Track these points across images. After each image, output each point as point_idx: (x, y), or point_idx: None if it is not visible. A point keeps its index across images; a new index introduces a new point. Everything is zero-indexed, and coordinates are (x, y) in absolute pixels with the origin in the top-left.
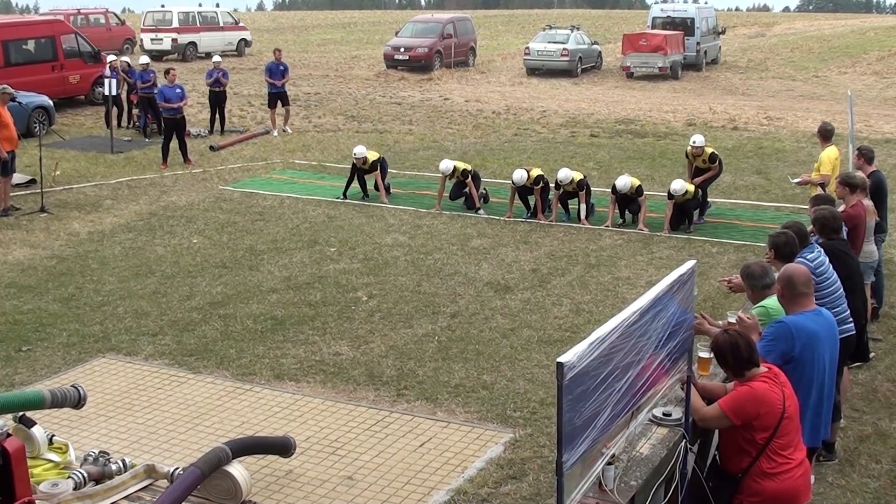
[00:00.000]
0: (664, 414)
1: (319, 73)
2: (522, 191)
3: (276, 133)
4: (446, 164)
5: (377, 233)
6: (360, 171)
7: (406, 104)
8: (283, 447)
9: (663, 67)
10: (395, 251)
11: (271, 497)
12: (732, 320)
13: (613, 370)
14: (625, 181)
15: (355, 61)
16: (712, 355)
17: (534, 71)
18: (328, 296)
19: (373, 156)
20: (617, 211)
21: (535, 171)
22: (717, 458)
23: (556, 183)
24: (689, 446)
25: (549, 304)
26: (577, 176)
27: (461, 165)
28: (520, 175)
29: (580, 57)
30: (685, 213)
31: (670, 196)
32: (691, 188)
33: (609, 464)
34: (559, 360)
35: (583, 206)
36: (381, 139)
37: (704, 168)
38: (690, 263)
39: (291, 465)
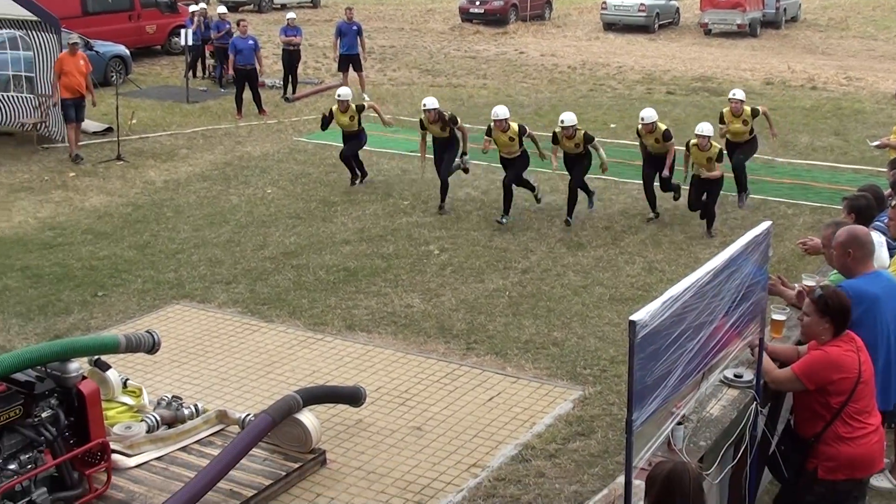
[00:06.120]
0: (735, 375)
1: (395, 26)
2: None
3: None
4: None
5: (450, 187)
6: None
7: (481, 58)
8: (353, 397)
9: (742, 24)
10: (468, 205)
11: (340, 445)
12: (809, 283)
13: (686, 330)
14: (649, 112)
15: (430, 14)
16: (786, 318)
17: (610, 26)
18: (400, 248)
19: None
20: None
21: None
22: (792, 422)
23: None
24: (759, 409)
25: (622, 261)
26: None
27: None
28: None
29: (657, 12)
30: (708, 190)
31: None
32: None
33: (679, 424)
34: (631, 318)
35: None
36: (455, 93)
37: (741, 132)
38: (766, 224)
39: (361, 415)
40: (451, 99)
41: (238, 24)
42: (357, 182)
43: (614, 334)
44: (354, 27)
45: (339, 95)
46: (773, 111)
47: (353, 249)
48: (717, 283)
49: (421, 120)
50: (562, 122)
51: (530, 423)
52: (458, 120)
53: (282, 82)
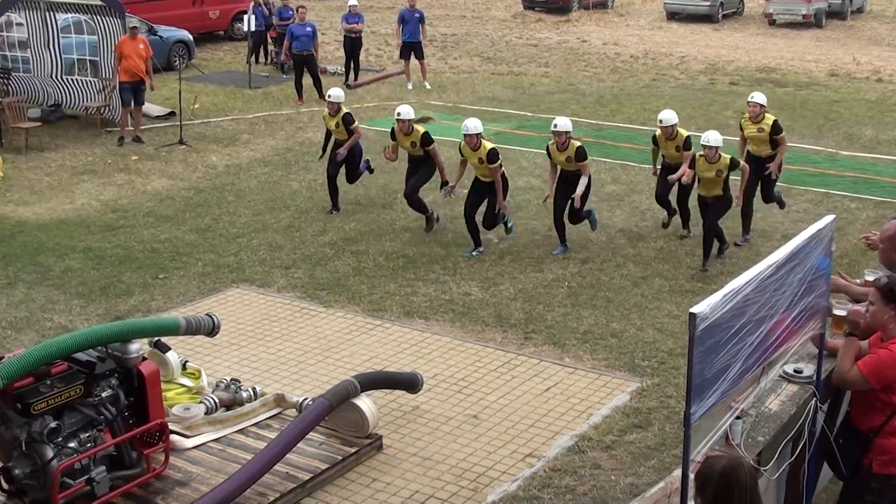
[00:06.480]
0: (795, 370)
1: (457, 14)
2: None
3: (410, 86)
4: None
5: (509, 175)
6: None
7: (542, 46)
8: (410, 383)
9: (807, 15)
10: (527, 194)
11: (397, 431)
12: (871, 278)
13: (746, 323)
14: (669, 113)
15: (492, 2)
16: (847, 313)
17: (674, 15)
18: (459, 236)
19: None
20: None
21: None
22: (849, 416)
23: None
24: (819, 404)
25: (682, 253)
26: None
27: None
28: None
29: (722, 2)
30: (711, 207)
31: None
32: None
33: (737, 418)
34: (692, 310)
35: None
36: (516, 81)
37: (760, 142)
38: (829, 218)
39: (418, 401)
40: (512, 87)
41: (297, 11)
42: (333, 211)
43: (673, 326)
44: (417, 14)
45: (329, 96)
46: (837, 103)
47: (412, 237)
48: (778, 276)
49: (392, 130)
50: (554, 125)
51: (587, 414)
52: (433, 142)
53: (344, 69)
